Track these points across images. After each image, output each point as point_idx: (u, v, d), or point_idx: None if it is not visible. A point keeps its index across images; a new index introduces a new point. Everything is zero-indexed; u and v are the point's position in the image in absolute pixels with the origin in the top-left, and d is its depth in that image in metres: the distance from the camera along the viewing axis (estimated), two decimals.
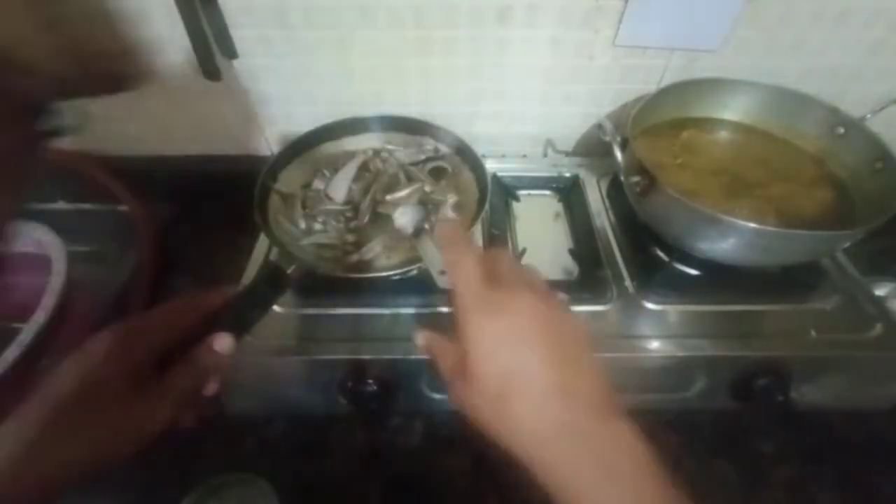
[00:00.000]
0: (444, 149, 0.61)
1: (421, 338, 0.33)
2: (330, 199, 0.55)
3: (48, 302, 0.52)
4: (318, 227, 0.54)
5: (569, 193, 0.66)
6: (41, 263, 0.58)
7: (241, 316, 0.37)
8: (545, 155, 0.73)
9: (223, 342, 0.34)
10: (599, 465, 0.25)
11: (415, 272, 0.49)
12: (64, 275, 0.55)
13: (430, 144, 0.61)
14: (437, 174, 0.59)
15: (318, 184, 0.57)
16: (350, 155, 0.60)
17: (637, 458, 0.25)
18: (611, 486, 0.24)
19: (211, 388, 0.35)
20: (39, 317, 0.51)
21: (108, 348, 0.30)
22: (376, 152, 0.60)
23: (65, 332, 0.53)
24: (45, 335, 0.51)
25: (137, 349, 0.31)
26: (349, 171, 0.57)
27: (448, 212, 0.54)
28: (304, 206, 0.55)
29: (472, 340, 0.27)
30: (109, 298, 0.64)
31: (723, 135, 0.62)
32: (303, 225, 0.54)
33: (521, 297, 0.28)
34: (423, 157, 0.60)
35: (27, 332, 0.50)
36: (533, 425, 0.26)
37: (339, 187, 0.56)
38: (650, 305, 0.52)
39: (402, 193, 0.55)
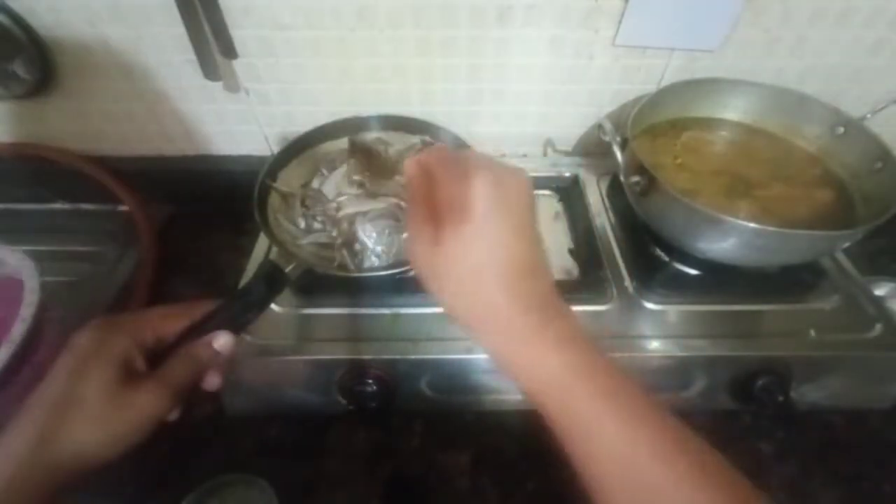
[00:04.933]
0: (431, 140, 0.61)
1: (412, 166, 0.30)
2: (325, 197, 0.55)
3: (16, 335, 0.46)
4: (317, 226, 0.54)
5: (569, 193, 0.66)
6: (12, 291, 0.51)
7: (238, 314, 0.37)
8: (545, 154, 0.73)
9: (223, 341, 0.34)
10: (566, 343, 0.27)
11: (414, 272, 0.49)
12: (35, 305, 0.48)
13: (416, 139, 0.61)
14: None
15: (316, 183, 0.57)
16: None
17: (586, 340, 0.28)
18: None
19: (211, 382, 0.35)
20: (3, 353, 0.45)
21: (94, 339, 0.30)
22: (377, 141, 0.60)
23: (34, 362, 0.48)
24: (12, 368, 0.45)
25: (124, 341, 0.31)
26: (343, 170, 0.57)
27: None
28: (303, 206, 0.55)
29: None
30: (109, 298, 0.64)
31: (723, 135, 0.62)
32: (302, 224, 0.54)
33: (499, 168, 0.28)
34: (411, 152, 0.59)
35: None
36: (496, 300, 0.27)
37: (332, 186, 0.56)
38: (650, 305, 0.52)
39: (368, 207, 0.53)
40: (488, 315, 0.27)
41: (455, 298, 0.28)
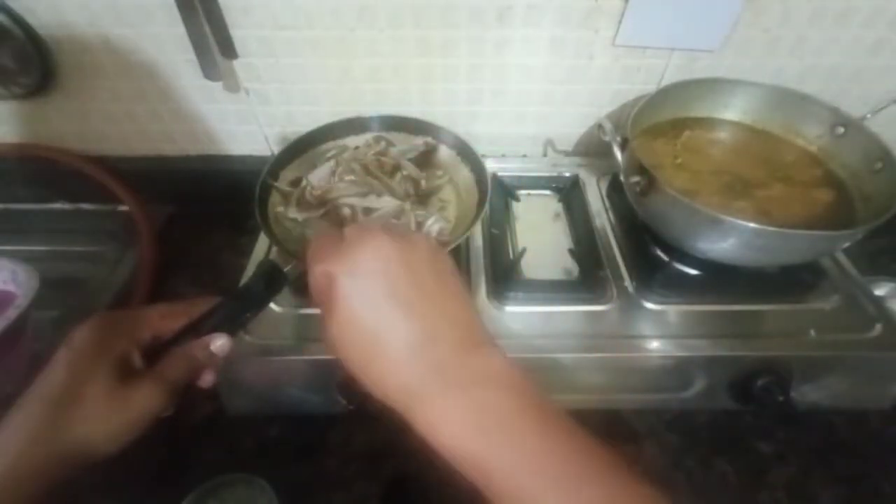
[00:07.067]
0: (434, 142, 0.61)
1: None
2: (314, 187, 0.55)
3: None
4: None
5: (569, 193, 0.66)
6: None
7: (236, 313, 0.37)
8: (545, 155, 0.73)
9: (220, 343, 0.34)
10: (472, 408, 0.26)
11: None
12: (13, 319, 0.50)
13: (420, 139, 0.61)
14: (426, 161, 0.60)
15: (309, 176, 0.56)
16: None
17: (509, 388, 0.26)
18: (484, 427, 0.26)
19: (206, 379, 0.35)
20: None
21: (92, 336, 0.31)
22: (377, 140, 0.60)
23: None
24: None
25: (122, 339, 0.31)
26: (331, 164, 0.57)
27: (432, 231, 0.53)
28: (298, 205, 0.55)
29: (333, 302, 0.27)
30: (109, 298, 0.64)
31: (723, 135, 0.62)
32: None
33: (368, 244, 0.28)
34: (413, 153, 0.59)
35: None
36: (398, 380, 0.27)
37: (321, 177, 0.55)
38: (650, 305, 0.52)
39: (379, 211, 0.52)
40: (387, 391, 0.27)
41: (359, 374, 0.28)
